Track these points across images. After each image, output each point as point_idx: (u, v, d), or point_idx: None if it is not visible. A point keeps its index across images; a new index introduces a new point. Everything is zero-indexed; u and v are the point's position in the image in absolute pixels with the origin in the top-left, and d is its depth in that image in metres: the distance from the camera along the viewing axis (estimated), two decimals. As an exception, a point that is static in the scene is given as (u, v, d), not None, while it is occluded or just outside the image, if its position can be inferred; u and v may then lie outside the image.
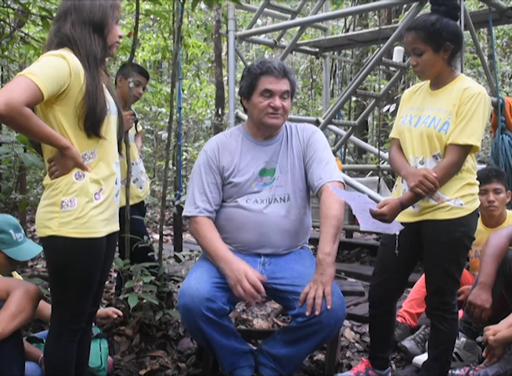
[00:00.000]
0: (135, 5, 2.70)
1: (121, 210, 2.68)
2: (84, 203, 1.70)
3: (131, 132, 3.21)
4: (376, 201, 2.03)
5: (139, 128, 3.55)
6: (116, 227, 1.89)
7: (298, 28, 5.33)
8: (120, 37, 1.84)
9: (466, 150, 2.00)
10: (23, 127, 1.58)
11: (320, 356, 2.61)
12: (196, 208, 2.17)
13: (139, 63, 9.62)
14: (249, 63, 2.63)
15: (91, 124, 1.71)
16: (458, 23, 2.18)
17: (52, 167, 1.72)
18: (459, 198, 2.03)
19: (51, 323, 1.84)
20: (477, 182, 2.12)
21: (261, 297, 1.99)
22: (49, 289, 1.84)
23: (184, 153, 8.49)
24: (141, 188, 3.27)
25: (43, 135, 1.64)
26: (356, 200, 1.97)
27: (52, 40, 1.74)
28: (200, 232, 2.15)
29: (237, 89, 2.45)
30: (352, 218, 4.78)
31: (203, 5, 8.36)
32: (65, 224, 1.69)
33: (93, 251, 1.75)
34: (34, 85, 1.56)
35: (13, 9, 3.58)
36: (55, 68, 1.62)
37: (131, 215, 2.82)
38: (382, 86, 6.28)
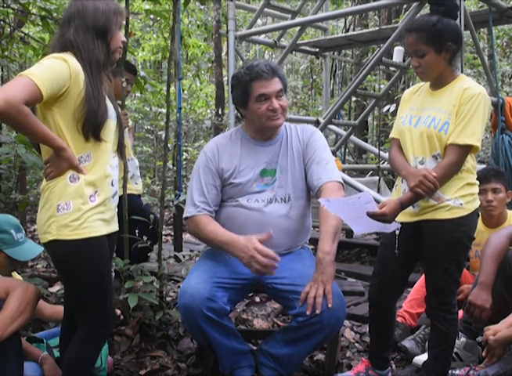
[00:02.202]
0: (135, 5, 2.69)
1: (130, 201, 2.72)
2: (79, 205, 1.71)
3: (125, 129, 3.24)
4: (377, 201, 2.02)
5: (130, 123, 3.59)
6: (115, 227, 1.90)
7: (298, 28, 5.33)
8: (123, 42, 1.86)
9: (467, 150, 2.00)
10: (21, 124, 1.60)
11: (320, 356, 2.61)
12: (196, 208, 2.17)
13: (139, 63, 9.63)
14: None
15: (91, 128, 1.72)
16: (457, 22, 2.17)
17: (48, 168, 1.73)
18: (459, 198, 2.03)
19: (78, 328, 1.84)
20: (477, 182, 2.12)
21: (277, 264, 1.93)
22: (70, 296, 1.85)
23: (184, 153, 8.49)
24: (136, 184, 3.35)
25: (39, 135, 1.65)
26: (355, 204, 1.92)
27: (56, 45, 1.77)
28: (200, 226, 2.14)
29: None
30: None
31: (202, 6, 8.37)
32: (63, 227, 1.70)
33: (96, 251, 1.75)
34: (34, 84, 1.58)
35: (13, 9, 3.58)
36: (55, 69, 1.64)
37: (134, 202, 2.87)
38: (382, 86, 6.28)
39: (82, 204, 1.72)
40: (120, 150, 1.93)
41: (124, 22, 2.79)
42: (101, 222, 1.77)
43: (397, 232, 2.08)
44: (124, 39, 1.87)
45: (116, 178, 1.88)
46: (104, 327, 1.85)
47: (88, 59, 1.74)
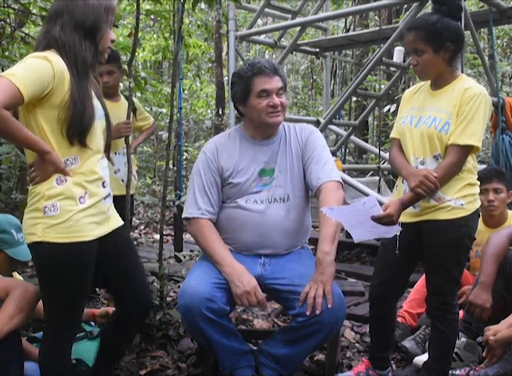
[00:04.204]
0: (135, 5, 2.68)
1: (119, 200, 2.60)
2: (67, 207, 1.65)
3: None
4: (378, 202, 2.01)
5: (150, 121, 3.52)
6: (110, 227, 1.83)
7: (299, 28, 5.34)
8: (113, 41, 1.77)
9: (467, 150, 2.00)
10: (1, 129, 1.52)
11: (320, 356, 2.61)
12: (199, 210, 2.16)
13: (140, 63, 9.61)
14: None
15: (76, 133, 1.66)
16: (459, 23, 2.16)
17: (33, 173, 1.67)
18: (460, 198, 2.03)
19: (44, 328, 1.83)
20: (478, 183, 2.12)
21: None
22: (43, 296, 1.80)
23: (184, 153, 8.49)
24: (122, 181, 3.14)
25: (22, 139, 1.58)
26: (359, 210, 1.90)
27: (41, 41, 1.68)
28: (203, 234, 2.14)
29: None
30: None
31: (203, 5, 8.37)
32: (49, 229, 1.64)
33: (81, 256, 1.70)
34: (14, 87, 1.50)
35: (14, 9, 3.57)
36: (37, 70, 1.56)
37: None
38: (382, 86, 6.28)
39: (71, 205, 1.66)
40: (107, 150, 1.85)
41: (135, 22, 2.76)
42: (91, 226, 1.71)
43: (397, 233, 2.08)
44: (114, 38, 1.77)
45: (108, 180, 1.82)
46: (72, 327, 1.81)
47: (73, 58, 1.65)
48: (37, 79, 1.55)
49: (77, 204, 1.68)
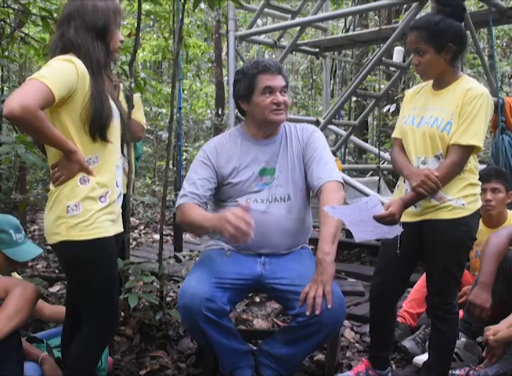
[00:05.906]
0: (135, 5, 2.68)
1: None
2: (89, 206, 1.71)
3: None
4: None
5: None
6: (121, 228, 1.90)
7: (298, 28, 5.34)
8: (122, 42, 1.85)
9: (469, 150, 2.00)
10: (37, 130, 1.59)
11: (320, 356, 2.61)
12: (185, 197, 2.14)
13: (140, 64, 9.61)
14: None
15: (97, 128, 1.72)
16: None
17: (56, 172, 1.72)
18: (461, 198, 2.03)
19: (82, 330, 1.83)
20: (479, 183, 2.12)
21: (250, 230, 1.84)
22: (76, 297, 1.85)
23: (184, 153, 8.48)
24: None
25: (53, 138, 1.64)
26: (362, 209, 1.90)
27: (57, 44, 1.76)
28: (184, 212, 2.11)
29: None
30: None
31: (203, 5, 8.36)
32: (72, 228, 1.70)
33: (105, 251, 1.76)
34: (47, 88, 1.57)
35: (13, 9, 3.57)
36: (64, 72, 1.64)
37: None
38: (382, 86, 6.28)
39: (92, 205, 1.72)
40: (122, 148, 1.93)
41: (135, 22, 2.78)
42: (110, 223, 1.78)
43: (398, 233, 2.08)
44: (123, 39, 1.86)
45: (120, 180, 1.88)
46: (112, 324, 1.87)
47: (89, 59, 1.73)
48: (65, 81, 1.63)
49: (97, 203, 1.74)
